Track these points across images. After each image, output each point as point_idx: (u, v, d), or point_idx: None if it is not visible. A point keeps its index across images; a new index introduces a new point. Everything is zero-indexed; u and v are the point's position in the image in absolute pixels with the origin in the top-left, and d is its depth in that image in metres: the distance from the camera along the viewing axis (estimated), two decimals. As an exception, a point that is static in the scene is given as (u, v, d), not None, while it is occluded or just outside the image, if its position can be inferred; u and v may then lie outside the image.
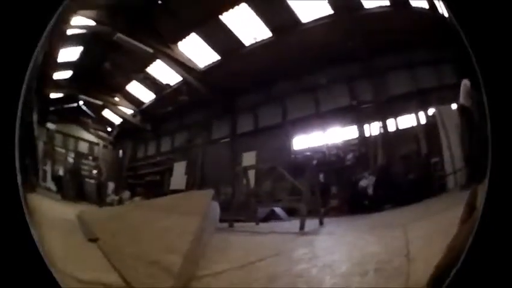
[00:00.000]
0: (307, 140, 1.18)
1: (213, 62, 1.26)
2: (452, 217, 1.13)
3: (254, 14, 1.18)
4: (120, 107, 1.33)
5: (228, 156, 1.24)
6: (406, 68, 1.19)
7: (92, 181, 1.26)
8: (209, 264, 1.04)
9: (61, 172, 1.30)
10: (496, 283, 1.33)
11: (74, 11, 1.33)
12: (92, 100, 1.30)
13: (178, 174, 1.23)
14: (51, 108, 1.30)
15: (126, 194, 1.21)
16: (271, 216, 1.17)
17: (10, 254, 1.41)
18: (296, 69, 1.15)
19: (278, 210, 1.16)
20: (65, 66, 1.35)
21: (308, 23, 1.21)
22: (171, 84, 1.31)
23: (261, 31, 1.22)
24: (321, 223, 1.10)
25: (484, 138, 1.19)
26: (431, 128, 1.16)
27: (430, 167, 1.14)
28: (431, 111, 1.20)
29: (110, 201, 1.23)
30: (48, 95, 1.32)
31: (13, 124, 1.26)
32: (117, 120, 1.33)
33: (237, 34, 1.24)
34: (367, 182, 1.13)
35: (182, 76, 1.26)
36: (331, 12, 1.19)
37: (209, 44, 1.26)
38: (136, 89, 1.35)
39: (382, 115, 1.17)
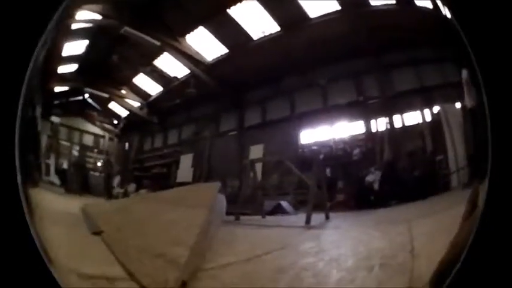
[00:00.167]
0: (315, 134, 1.18)
1: (221, 56, 1.26)
2: (455, 215, 1.14)
3: (262, 8, 1.18)
4: (126, 100, 1.32)
5: (235, 149, 1.24)
6: (412, 65, 1.19)
7: (97, 174, 1.26)
8: (215, 257, 1.04)
9: (65, 165, 1.30)
10: (496, 281, 1.34)
11: (78, 6, 1.33)
12: (98, 93, 1.30)
13: (185, 166, 1.23)
14: (56, 102, 1.30)
15: (132, 186, 1.21)
16: (278, 210, 1.16)
17: (8, 254, 1.40)
18: (304, 63, 1.15)
19: (284, 203, 1.16)
20: (70, 60, 1.34)
21: (316, 18, 1.21)
22: (179, 77, 1.30)
23: (269, 25, 1.22)
24: (327, 217, 1.10)
25: (485, 137, 1.20)
26: (436, 125, 1.16)
27: (435, 165, 1.14)
28: (436, 109, 1.21)
29: (115, 194, 1.22)
30: (53, 89, 1.32)
31: (10, 121, 1.25)
32: (123, 112, 1.32)
33: (245, 28, 1.24)
34: (373, 177, 1.13)
35: (190, 69, 1.26)
36: (339, 8, 1.19)
37: (217, 38, 1.26)
38: (143, 81, 1.34)
39: (388, 111, 1.18)
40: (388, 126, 1.18)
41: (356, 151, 1.18)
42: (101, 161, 1.30)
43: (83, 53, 1.35)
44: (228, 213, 1.13)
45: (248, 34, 1.27)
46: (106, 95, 1.35)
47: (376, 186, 1.13)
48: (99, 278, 1.07)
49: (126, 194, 1.20)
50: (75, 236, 1.18)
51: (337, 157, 1.18)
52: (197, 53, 1.29)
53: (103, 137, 1.33)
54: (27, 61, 1.29)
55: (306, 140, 1.21)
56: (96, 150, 1.33)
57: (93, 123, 1.36)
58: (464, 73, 1.21)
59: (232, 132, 1.28)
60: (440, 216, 1.14)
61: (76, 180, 1.28)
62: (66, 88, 1.35)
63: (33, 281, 1.37)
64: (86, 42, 1.35)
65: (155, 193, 1.22)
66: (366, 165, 1.16)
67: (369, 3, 1.23)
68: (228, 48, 1.28)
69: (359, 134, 1.19)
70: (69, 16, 1.32)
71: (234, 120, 1.29)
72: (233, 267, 1.01)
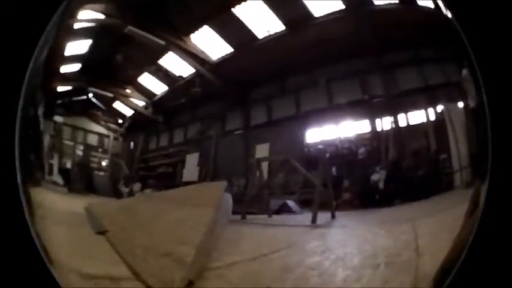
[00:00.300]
0: (320, 133, 1.18)
1: (226, 55, 1.26)
2: (458, 213, 1.14)
3: (267, 7, 1.18)
4: (131, 99, 1.32)
5: (241, 148, 1.24)
6: (416, 64, 1.19)
7: (102, 173, 1.26)
8: (222, 256, 1.04)
9: (69, 165, 1.29)
10: (495, 281, 1.34)
11: (80, 5, 1.33)
12: (102, 92, 1.29)
13: (191, 166, 1.23)
14: (59, 102, 1.29)
15: (137, 186, 1.21)
16: (284, 209, 1.16)
17: (7, 254, 1.40)
18: (309, 62, 1.15)
19: (290, 203, 1.16)
20: (73, 59, 1.34)
21: (321, 17, 1.21)
22: (184, 76, 1.30)
23: (274, 24, 1.22)
24: (333, 216, 1.10)
25: (486, 136, 1.21)
26: (440, 124, 1.17)
27: (439, 164, 1.15)
28: (440, 108, 1.21)
29: (120, 194, 1.22)
30: (56, 88, 1.31)
31: (10, 121, 1.25)
32: (128, 112, 1.32)
33: (250, 27, 1.24)
34: (378, 176, 1.13)
35: (195, 68, 1.26)
36: (343, 7, 1.19)
37: (222, 37, 1.26)
38: (148, 81, 1.34)
39: (393, 110, 1.18)
40: (393, 125, 1.18)
41: (361, 150, 1.18)
42: (106, 160, 1.30)
43: (87, 52, 1.35)
44: (234, 213, 1.13)
45: (253, 33, 1.27)
46: (110, 95, 1.34)
47: (381, 185, 1.14)
48: (103, 278, 1.07)
49: (131, 194, 1.20)
50: (78, 235, 1.18)
51: (342, 156, 1.18)
52: (202, 52, 1.29)
53: (108, 136, 1.33)
54: (27, 61, 1.28)
55: (311, 139, 1.22)
56: (100, 149, 1.32)
57: (98, 123, 1.35)
58: (465, 72, 1.22)
59: (238, 131, 1.28)
60: (444, 215, 1.14)
61: (80, 180, 1.27)
62: (69, 88, 1.34)
63: (31, 281, 1.36)
64: (89, 41, 1.35)
65: (161, 192, 1.22)
66: (371, 164, 1.17)
67: (372, 2, 1.23)
68: (233, 48, 1.28)
69: (364, 133, 1.19)
70: (72, 15, 1.31)
71: (240, 119, 1.29)
72: (239, 266, 1.01)
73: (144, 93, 1.35)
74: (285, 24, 1.24)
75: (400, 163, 1.16)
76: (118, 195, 1.22)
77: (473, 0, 1.46)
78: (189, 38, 1.31)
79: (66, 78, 1.34)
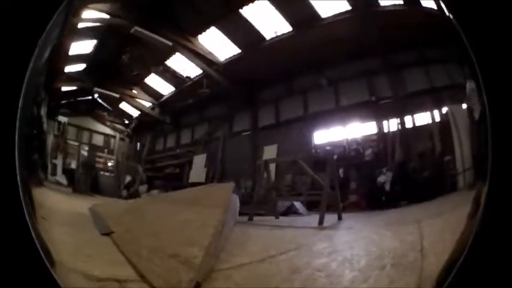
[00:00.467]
0: (328, 135, 1.18)
1: (234, 55, 1.25)
2: (461, 214, 1.15)
3: (274, 8, 1.18)
4: (138, 100, 1.32)
5: (249, 149, 1.24)
6: (422, 66, 1.20)
7: (108, 174, 1.25)
8: (229, 258, 1.04)
9: (73, 165, 1.28)
10: (495, 280, 1.35)
11: (85, 4, 1.32)
12: (107, 93, 1.29)
13: (198, 167, 1.23)
14: (63, 102, 1.29)
15: (144, 187, 1.20)
16: (291, 210, 1.16)
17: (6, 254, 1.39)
18: (316, 63, 1.15)
19: (297, 204, 1.16)
20: (78, 59, 1.33)
21: (328, 17, 1.22)
22: (192, 77, 1.30)
23: (281, 25, 1.22)
24: (340, 218, 1.10)
25: (488, 138, 1.21)
26: (444, 126, 1.17)
27: (443, 165, 1.15)
28: (444, 109, 1.21)
29: (126, 194, 1.21)
30: (60, 88, 1.30)
31: (10, 121, 1.24)
32: (135, 113, 1.32)
33: (257, 28, 1.24)
34: (384, 178, 1.14)
35: (202, 69, 1.26)
36: (350, 7, 1.19)
37: (229, 38, 1.25)
38: (155, 81, 1.34)
39: (399, 111, 1.18)
40: (399, 127, 1.19)
41: (368, 151, 1.18)
42: (112, 161, 1.29)
43: (92, 52, 1.35)
44: (241, 214, 1.12)
45: (260, 34, 1.27)
46: (117, 95, 1.34)
47: (387, 187, 1.14)
48: (109, 280, 1.06)
49: (137, 195, 1.20)
50: (82, 236, 1.17)
51: (350, 158, 1.18)
52: (210, 53, 1.29)
53: (114, 137, 1.33)
54: (27, 60, 1.28)
55: (319, 140, 1.22)
56: (106, 150, 1.32)
57: (104, 123, 1.35)
58: (467, 74, 1.22)
59: (245, 133, 1.28)
60: (448, 216, 1.15)
61: (85, 180, 1.27)
62: (74, 87, 1.34)
63: (30, 282, 1.35)
64: (94, 41, 1.34)
65: (168, 193, 1.22)
66: (378, 166, 1.17)
67: (378, 3, 1.24)
68: (240, 48, 1.28)
69: (371, 135, 1.20)
70: (76, 15, 1.30)
71: (248, 120, 1.29)
72: (247, 268, 1.01)
73: (151, 94, 1.35)
74: (292, 25, 1.24)
75: (406, 165, 1.16)
76: (124, 196, 1.22)
77: (473, 2, 1.47)
78: (197, 39, 1.31)
79: (71, 78, 1.33)
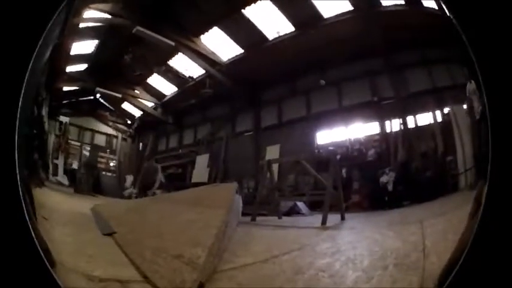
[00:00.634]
0: (331, 135, 1.18)
1: (237, 56, 1.25)
2: (463, 214, 1.14)
3: (276, 8, 1.18)
4: (140, 100, 1.31)
5: (252, 150, 1.24)
6: (423, 66, 1.19)
7: (110, 174, 1.25)
8: (233, 258, 1.03)
9: (75, 165, 1.28)
10: (494, 280, 1.35)
11: (86, 5, 1.32)
12: (110, 93, 1.28)
13: (201, 167, 1.22)
14: (65, 102, 1.28)
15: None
16: (294, 211, 1.16)
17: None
18: (319, 63, 1.15)
19: (300, 204, 1.16)
20: (79, 59, 1.33)
21: (330, 18, 1.22)
22: (194, 77, 1.30)
23: (284, 25, 1.22)
24: (343, 218, 1.10)
25: (488, 138, 1.21)
26: (446, 126, 1.17)
27: (445, 165, 1.15)
28: (446, 110, 1.21)
29: (128, 194, 1.21)
30: (61, 88, 1.30)
31: (10, 121, 1.23)
32: (137, 113, 1.32)
33: (260, 28, 1.24)
34: (387, 178, 1.14)
35: (205, 69, 1.26)
36: (352, 8, 1.19)
37: (232, 38, 1.25)
38: (157, 81, 1.34)
39: (402, 112, 1.18)
40: (402, 127, 1.19)
41: (371, 152, 1.18)
42: (114, 161, 1.29)
43: (94, 52, 1.34)
44: (244, 214, 1.12)
45: (263, 34, 1.27)
46: (119, 95, 1.34)
47: (390, 187, 1.14)
48: (111, 280, 1.05)
49: (139, 195, 1.19)
50: (84, 237, 1.16)
51: (352, 158, 1.18)
52: (212, 53, 1.28)
53: (116, 137, 1.32)
54: (27, 60, 1.27)
55: (322, 141, 1.22)
56: (108, 150, 1.32)
57: (105, 123, 1.35)
58: (467, 74, 1.22)
59: (248, 133, 1.28)
60: (450, 216, 1.14)
61: (86, 181, 1.26)
62: (75, 87, 1.33)
63: (30, 283, 1.33)
64: (96, 41, 1.34)
65: (171, 193, 1.21)
66: (381, 166, 1.17)
67: (380, 3, 1.23)
68: (243, 48, 1.28)
69: (374, 135, 1.20)
70: (77, 15, 1.30)
71: (250, 121, 1.29)
72: (251, 268, 1.01)
73: (153, 94, 1.35)
74: (294, 25, 1.24)
75: (408, 165, 1.16)
76: (126, 196, 1.21)
77: (474, 2, 1.46)
78: (199, 39, 1.30)
79: (73, 78, 1.33)
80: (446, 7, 1.21)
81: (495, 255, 1.28)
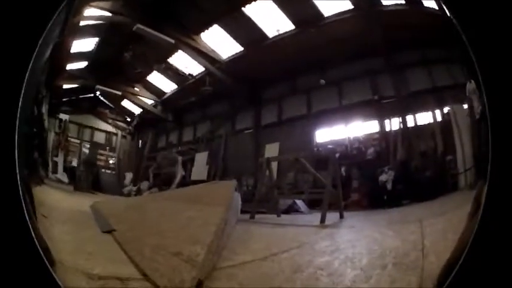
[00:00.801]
0: (330, 133, 1.18)
1: (237, 53, 1.25)
2: (462, 214, 1.14)
3: (277, 7, 1.18)
4: (140, 97, 1.31)
5: (251, 147, 1.24)
6: (424, 66, 1.19)
7: (109, 171, 1.25)
8: (232, 256, 1.03)
9: (74, 163, 1.28)
10: (494, 280, 1.35)
11: (86, 3, 1.32)
12: (110, 90, 1.29)
13: (200, 164, 1.22)
14: (65, 99, 1.28)
15: (145, 184, 1.20)
16: (292, 209, 1.16)
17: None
18: (319, 62, 1.15)
19: (299, 202, 1.16)
20: (80, 57, 1.33)
21: (330, 16, 1.22)
22: (194, 74, 1.30)
23: (284, 24, 1.23)
24: (341, 216, 1.10)
25: (488, 138, 1.21)
26: (446, 126, 1.17)
27: (445, 165, 1.15)
28: (446, 109, 1.21)
29: (127, 192, 1.21)
30: (61, 86, 1.30)
31: (10, 120, 1.23)
32: (137, 110, 1.32)
33: (260, 26, 1.24)
34: (386, 177, 1.13)
35: (205, 67, 1.26)
36: (352, 7, 1.19)
37: (232, 36, 1.25)
38: (157, 79, 1.34)
39: (402, 111, 1.18)
40: (401, 126, 1.19)
41: (370, 150, 1.18)
42: (113, 158, 1.29)
43: (94, 50, 1.34)
44: (243, 212, 1.12)
45: (263, 32, 1.27)
46: (119, 93, 1.34)
47: (389, 186, 1.14)
48: (111, 278, 1.05)
49: (139, 192, 1.19)
50: (83, 234, 1.16)
51: (352, 156, 1.18)
52: (212, 50, 1.29)
53: (115, 134, 1.32)
54: (27, 60, 1.27)
55: (321, 139, 1.22)
56: (108, 147, 1.32)
57: (105, 121, 1.35)
58: (468, 74, 1.22)
59: (248, 130, 1.28)
60: (449, 215, 1.14)
61: (86, 178, 1.26)
62: (75, 85, 1.33)
63: (29, 283, 1.33)
64: (96, 39, 1.34)
65: (170, 191, 1.21)
66: (380, 165, 1.17)
67: (381, 2, 1.24)
68: (243, 46, 1.28)
69: (374, 133, 1.20)
70: (77, 13, 1.30)
71: (250, 118, 1.29)
72: (250, 266, 1.00)
73: (153, 92, 1.35)
74: (294, 24, 1.24)
75: (408, 164, 1.16)
76: (125, 193, 1.21)
77: (474, 2, 1.46)
78: (199, 37, 1.31)
79: (73, 76, 1.33)
80: (447, 7, 1.21)
81: (495, 256, 1.27)
